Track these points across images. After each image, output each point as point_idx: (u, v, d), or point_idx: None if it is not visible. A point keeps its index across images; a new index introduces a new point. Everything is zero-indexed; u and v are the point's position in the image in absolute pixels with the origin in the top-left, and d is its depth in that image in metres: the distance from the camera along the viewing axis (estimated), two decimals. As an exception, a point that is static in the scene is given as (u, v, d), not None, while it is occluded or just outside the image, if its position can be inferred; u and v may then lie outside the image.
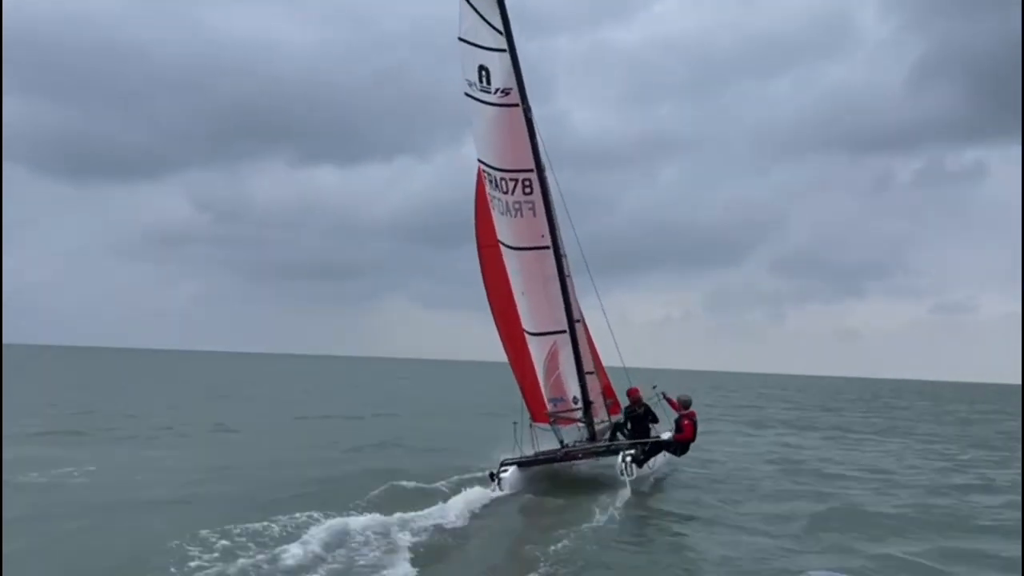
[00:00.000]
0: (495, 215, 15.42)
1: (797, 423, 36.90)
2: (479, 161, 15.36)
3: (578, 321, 16.08)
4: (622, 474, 13.80)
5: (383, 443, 21.55)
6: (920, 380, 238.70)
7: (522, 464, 14.52)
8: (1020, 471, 17.00)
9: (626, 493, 13.53)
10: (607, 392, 16.88)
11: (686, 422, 15.63)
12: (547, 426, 15.77)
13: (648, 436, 15.75)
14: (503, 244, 15.33)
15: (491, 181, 15.28)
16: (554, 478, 14.87)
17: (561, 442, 15.38)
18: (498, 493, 13.58)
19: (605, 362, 17.25)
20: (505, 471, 14.11)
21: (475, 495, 13.05)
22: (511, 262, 15.41)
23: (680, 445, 15.80)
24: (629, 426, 16.02)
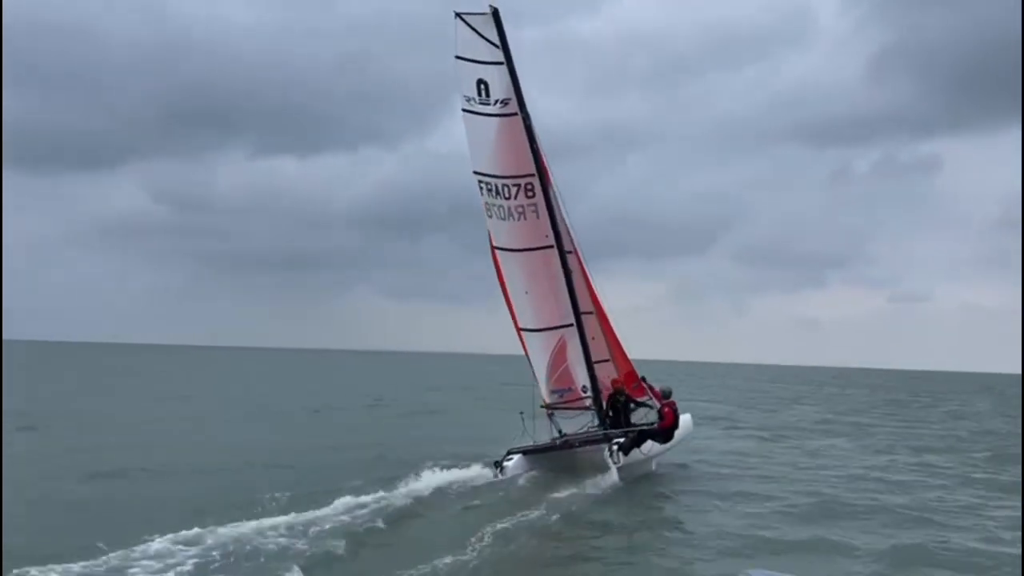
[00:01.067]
0: (492, 222, 16.31)
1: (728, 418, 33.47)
2: (474, 173, 16.15)
3: (590, 313, 17.05)
4: (611, 461, 14.81)
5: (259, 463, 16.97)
6: (880, 369, 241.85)
7: (526, 453, 15.50)
8: (1021, 468, 17.44)
9: (611, 476, 14.51)
10: (630, 377, 17.71)
11: (666, 410, 16.51)
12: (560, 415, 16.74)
13: (630, 423, 16.65)
14: (500, 248, 16.24)
15: (490, 190, 16.16)
16: (554, 466, 15.78)
17: (560, 431, 16.36)
18: (499, 478, 14.55)
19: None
20: (510, 459, 15.11)
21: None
22: (511, 264, 16.37)
23: (663, 433, 16.54)
24: (611, 413, 16.73)
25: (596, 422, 16.70)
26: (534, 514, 12.17)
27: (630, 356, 17.55)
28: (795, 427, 30.42)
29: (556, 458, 15.73)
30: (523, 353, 17.08)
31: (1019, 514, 12.71)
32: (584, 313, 16.98)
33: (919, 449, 23.30)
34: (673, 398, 17.13)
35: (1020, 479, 14.86)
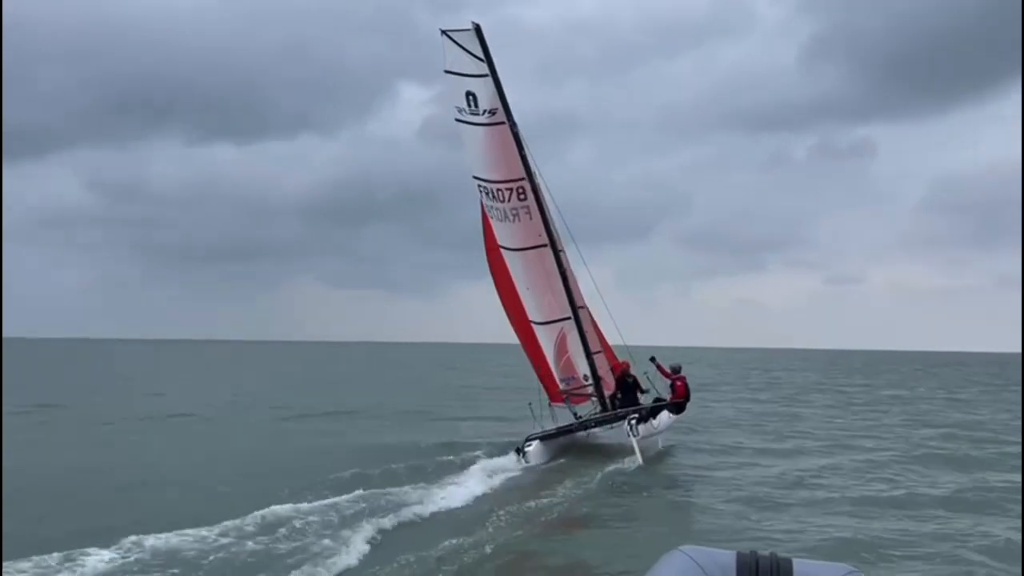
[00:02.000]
0: (494, 223, 17.28)
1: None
2: (474, 178, 17.10)
3: (582, 307, 18.04)
4: (629, 435, 15.69)
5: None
6: (818, 349, 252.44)
7: (544, 438, 16.29)
8: (1021, 466, 18.44)
9: (636, 459, 15.29)
10: (616, 368, 18.74)
11: (678, 384, 17.75)
12: (562, 405, 17.63)
13: (638, 402, 17.67)
14: (504, 248, 17.21)
15: (487, 193, 17.13)
16: (573, 448, 16.67)
17: (575, 415, 17.27)
18: (523, 465, 15.30)
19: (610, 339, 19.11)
20: (529, 445, 15.86)
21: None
22: (513, 262, 17.30)
23: (676, 405, 17.78)
24: (620, 395, 17.82)
25: (598, 409, 17.65)
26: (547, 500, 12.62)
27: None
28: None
29: (573, 440, 16.56)
30: (517, 344, 18.16)
31: None
32: (579, 307, 18.04)
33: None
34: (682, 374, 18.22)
35: (1020, 478, 15.20)
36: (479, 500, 12.45)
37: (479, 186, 17.11)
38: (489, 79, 17.32)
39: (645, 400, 17.75)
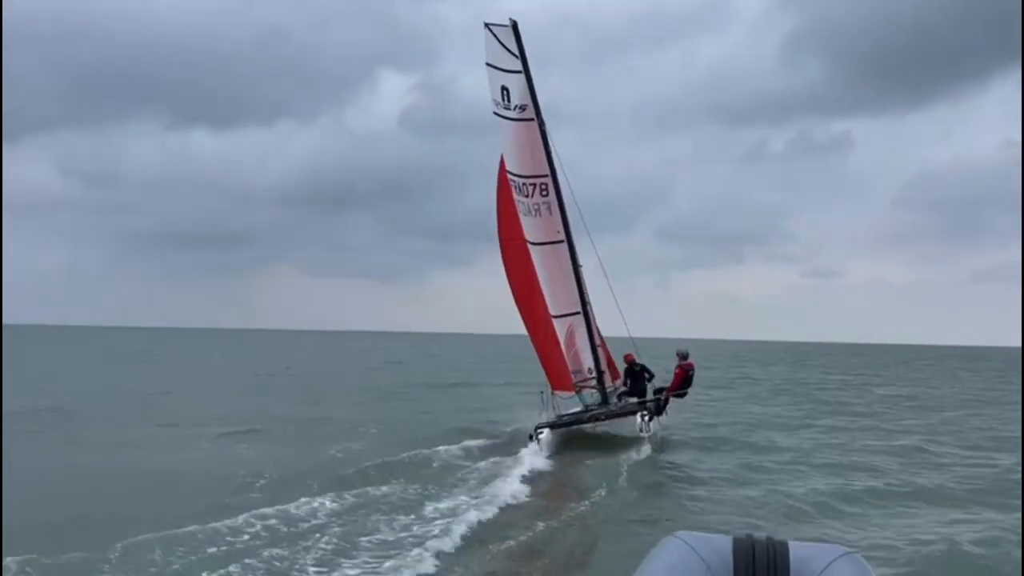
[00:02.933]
0: (521, 216, 17.89)
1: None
2: (508, 172, 17.72)
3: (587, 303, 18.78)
4: (641, 431, 16.62)
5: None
6: (798, 342, 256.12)
7: (554, 426, 17.12)
8: (1021, 464, 18.75)
9: (647, 449, 16.28)
10: (609, 364, 19.61)
11: (677, 371, 18.52)
12: (566, 394, 18.44)
13: (644, 393, 18.45)
14: (528, 241, 17.83)
15: (516, 187, 17.75)
16: (580, 437, 17.50)
17: (586, 406, 18.11)
18: (537, 450, 16.08)
19: (614, 331, 19.90)
20: (541, 432, 16.64)
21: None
22: (535, 255, 17.96)
23: (677, 389, 18.48)
24: (627, 384, 18.68)
25: (599, 400, 18.50)
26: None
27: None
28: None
29: (580, 429, 17.44)
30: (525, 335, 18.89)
31: None
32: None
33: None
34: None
35: (1020, 476, 15.32)
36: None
37: (511, 181, 17.69)
38: (522, 75, 17.89)
39: (651, 386, 18.51)
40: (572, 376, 18.25)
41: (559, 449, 16.66)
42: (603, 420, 17.53)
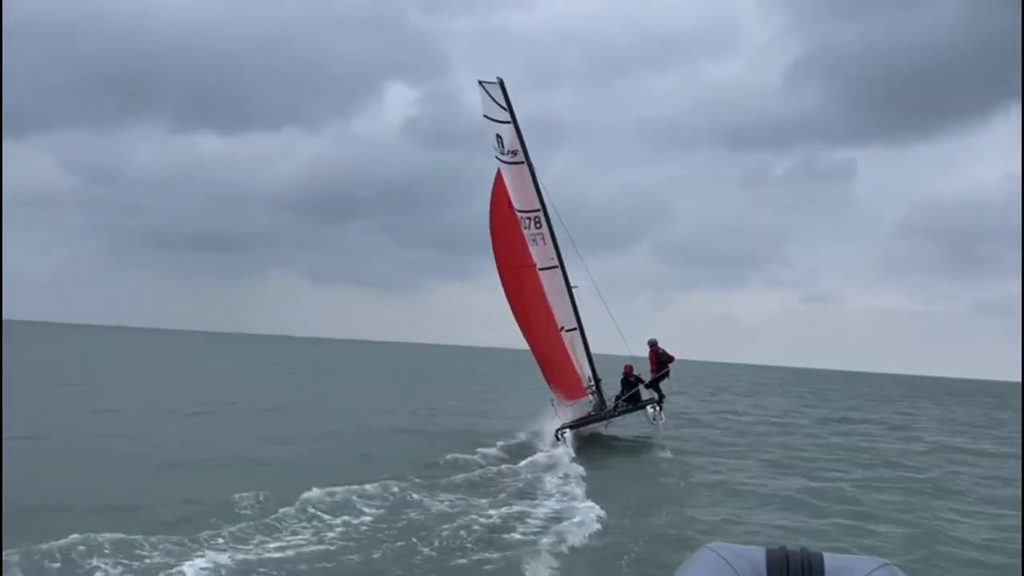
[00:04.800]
0: (529, 246, 20.37)
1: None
2: (515, 209, 20.26)
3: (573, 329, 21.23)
4: (654, 420, 19.31)
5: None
6: (795, 368, 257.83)
7: (574, 426, 19.36)
8: (1021, 470, 18.46)
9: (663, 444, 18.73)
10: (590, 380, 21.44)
11: (651, 355, 21.18)
12: (569, 402, 20.64)
13: (639, 398, 20.82)
14: (538, 267, 20.33)
15: (521, 220, 20.25)
16: (595, 435, 19.99)
17: (596, 409, 20.46)
18: (563, 446, 18.23)
19: (609, 349, 22.24)
20: (565, 432, 18.82)
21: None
22: (542, 279, 20.39)
23: (658, 372, 20.99)
24: (624, 391, 21.04)
25: (597, 404, 20.75)
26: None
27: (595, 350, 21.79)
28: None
29: (596, 427, 19.85)
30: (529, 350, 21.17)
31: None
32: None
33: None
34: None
35: (1020, 482, 15.65)
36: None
37: (517, 214, 20.24)
38: (511, 125, 20.56)
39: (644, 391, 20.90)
40: (581, 383, 20.59)
41: (580, 443, 18.85)
42: (618, 416, 19.86)
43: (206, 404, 25.09)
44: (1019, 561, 10.05)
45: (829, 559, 1.98)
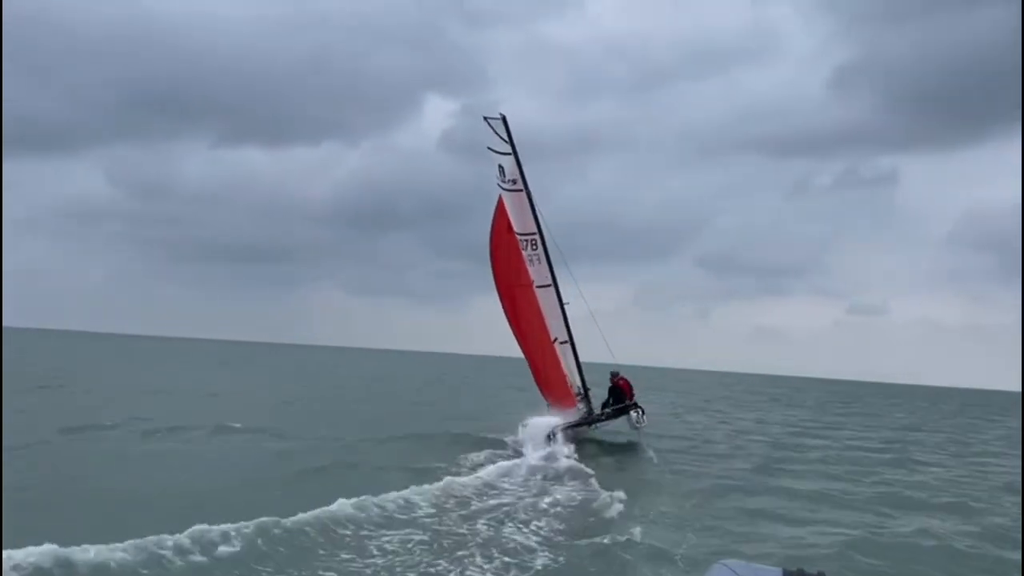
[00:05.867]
0: (527, 265, 22.54)
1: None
2: (516, 233, 22.46)
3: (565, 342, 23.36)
4: (637, 423, 21.56)
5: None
6: (842, 380, 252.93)
7: (566, 429, 21.21)
8: (1021, 470, 19.08)
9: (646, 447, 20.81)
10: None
11: (622, 383, 23.33)
12: (559, 410, 22.71)
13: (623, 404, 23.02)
14: (535, 285, 22.50)
15: (520, 242, 22.45)
16: (583, 437, 21.95)
17: (589, 412, 22.56)
18: (556, 444, 20.06)
19: (598, 357, 24.28)
20: (556, 433, 20.65)
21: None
22: (538, 296, 22.54)
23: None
24: (611, 400, 23.21)
25: (586, 411, 22.83)
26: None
27: (590, 359, 23.81)
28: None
29: (584, 431, 21.93)
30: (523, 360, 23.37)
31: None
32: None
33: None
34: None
35: (1020, 482, 16.27)
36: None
37: (516, 237, 22.48)
38: (511, 157, 22.81)
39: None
40: (571, 391, 22.71)
41: (570, 444, 20.61)
42: (605, 421, 21.91)
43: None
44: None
45: None
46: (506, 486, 15.07)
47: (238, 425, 21.59)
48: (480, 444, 20.64)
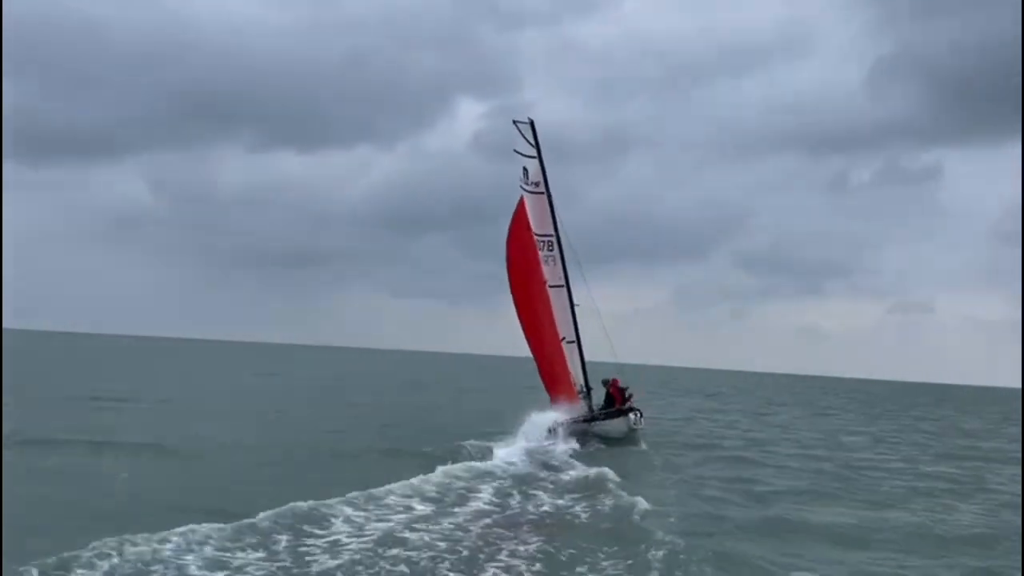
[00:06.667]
0: (543, 265, 23.63)
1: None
2: (534, 233, 23.54)
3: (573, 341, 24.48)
4: (635, 425, 22.44)
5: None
6: (881, 380, 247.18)
7: (567, 424, 22.29)
8: (1021, 470, 19.28)
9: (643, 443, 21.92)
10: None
11: (612, 390, 24.21)
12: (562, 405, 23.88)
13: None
14: (548, 284, 23.53)
15: (537, 242, 23.55)
16: (582, 433, 22.82)
17: (591, 409, 23.58)
18: (556, 440, 21.21)
19: (599, 355, 25.39)
20: (556, 428, 21.82)
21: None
22: (551, 295, 23.64)
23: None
24: (606, 405, 24.11)
25: (587, 408, 23.99)
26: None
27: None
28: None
29: (585, 427, 22.84)
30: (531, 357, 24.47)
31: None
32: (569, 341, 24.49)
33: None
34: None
35: (1020, 482, 16.49)
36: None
37: (534, 238, 23.52)
38: (536, 160, 23.84)
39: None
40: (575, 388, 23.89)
41: (569, 440, 21.72)
42: (604, 420, 23.00)
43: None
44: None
45: None
46: (509, 473, 16.23)
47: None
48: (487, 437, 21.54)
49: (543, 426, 21.95)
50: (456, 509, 12.43)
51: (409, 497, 12.83)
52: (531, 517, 12.37)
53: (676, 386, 77.68)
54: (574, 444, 21.13)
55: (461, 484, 14.52)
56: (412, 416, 28.92)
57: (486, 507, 12.90)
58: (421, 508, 12.22)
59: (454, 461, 16.53)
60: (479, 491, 14.07)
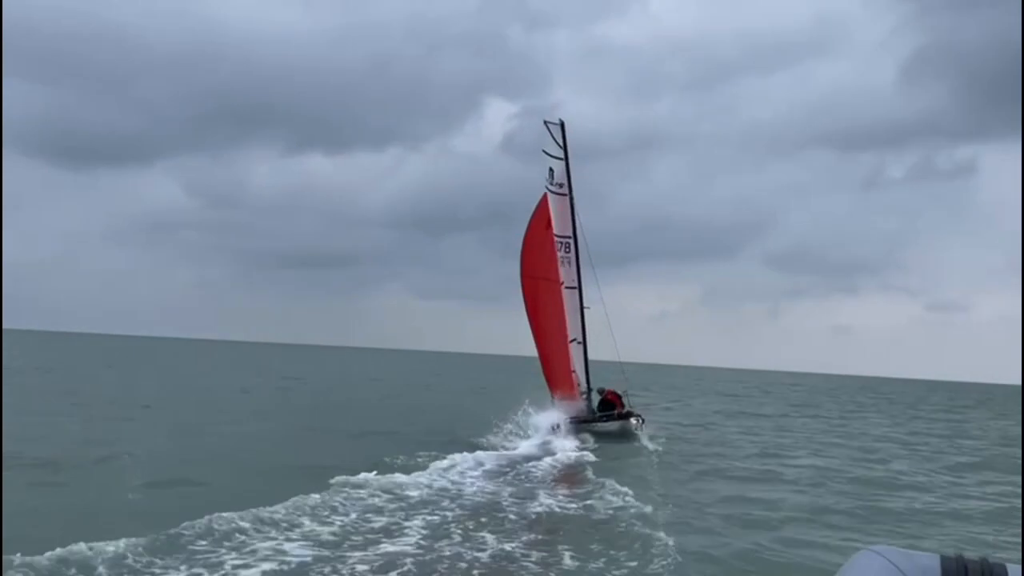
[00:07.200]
0: (559, 265, 24.14)
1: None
2: (554, 234, 24.06)
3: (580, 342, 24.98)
4: (636, 429, 22.85)
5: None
6: (915, 380, 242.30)
7: (570, 422, 22.90)
8: (1021, 471, 19.06)
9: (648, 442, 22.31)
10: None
11: (610, 396, 24.72)
12: (564, 402, 24.41)
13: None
14: (562, 284, 24.09)
15: (556, 242, 24.05)
16: (584, 432, 23.23)
17: (592, 411, 24.19)
18: (560, 435, 21.73)
19: (604, 356, 25.90)
20: (560, 425, 22.38)
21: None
22: (564, 295, 24.18)
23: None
24: (600, 407, 24.72)
25: (587, 408, 24.53)
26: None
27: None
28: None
29: (589, 427, 23.35)
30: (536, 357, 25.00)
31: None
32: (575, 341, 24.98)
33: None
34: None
35: (1020, 483, 16.23)
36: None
37: (554, 238, 24.08)
38: (563, 162, 24.35)
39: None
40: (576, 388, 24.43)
41: (571, 437, 22.17)
42: (606, 422, 23.49)
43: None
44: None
45: (1014, 571, 1.82)
46: (508, 468, 16.68)
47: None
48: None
49: (543, 425, 22.44)
50: (445, 506, 12.52)
51: (381, 494, 12.78)
52: (523, 518, 12.37)
53: (700, 388, 73.99)
54: (575, 443, 21.60)
55: (446, 482, 14.65)
56: (408, 417, 28.66)
57: (475, 504, 12.94)
58: (398, 511, 11.87)
59: (447, 459, 16.73)
60: (464, 488, 14.20)
